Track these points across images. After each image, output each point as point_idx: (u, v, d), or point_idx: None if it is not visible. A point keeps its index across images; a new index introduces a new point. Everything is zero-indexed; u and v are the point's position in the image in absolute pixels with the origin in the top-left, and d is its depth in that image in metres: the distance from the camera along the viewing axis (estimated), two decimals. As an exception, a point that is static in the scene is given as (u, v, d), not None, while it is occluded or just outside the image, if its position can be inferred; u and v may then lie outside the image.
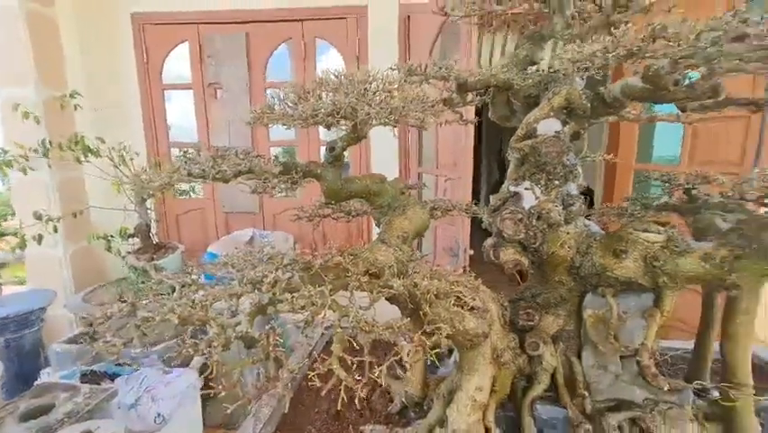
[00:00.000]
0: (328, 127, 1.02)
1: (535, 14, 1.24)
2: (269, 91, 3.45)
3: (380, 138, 3.35)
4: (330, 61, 3.59)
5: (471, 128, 2.70)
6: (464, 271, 1.11)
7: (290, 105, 0.85)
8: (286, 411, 1.26)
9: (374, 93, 0.93)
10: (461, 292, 0.97)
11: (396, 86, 0.96)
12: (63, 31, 3.06)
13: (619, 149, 3.25)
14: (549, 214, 1.02)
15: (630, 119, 1.19)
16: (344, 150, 1.07)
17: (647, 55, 0.77)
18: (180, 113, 3.83)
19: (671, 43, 0.73)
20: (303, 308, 0.58)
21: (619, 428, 1.00)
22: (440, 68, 1.06)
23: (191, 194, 3.76)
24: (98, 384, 2.24)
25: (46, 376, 2.36)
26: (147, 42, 3.32)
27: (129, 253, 2.83)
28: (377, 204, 1.19)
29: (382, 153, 3.41)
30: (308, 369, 1.51)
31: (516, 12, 1.25)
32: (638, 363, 0.94)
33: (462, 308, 0.97)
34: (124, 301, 0.69)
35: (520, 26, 1.34)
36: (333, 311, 0.63)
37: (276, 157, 1.14)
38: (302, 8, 3.18)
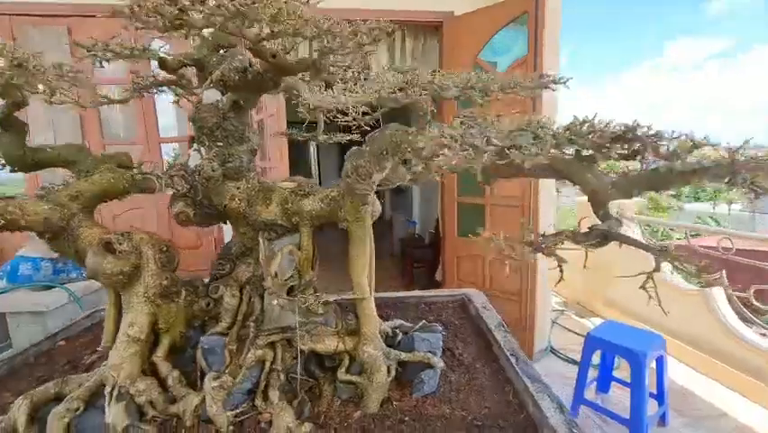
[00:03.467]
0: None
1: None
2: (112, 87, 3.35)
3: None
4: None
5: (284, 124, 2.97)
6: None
7: None
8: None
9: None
10: (110, 239, 1.09)
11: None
12: None
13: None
14: (203, 170, 1.18)
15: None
16: (7, 116, 1.14)
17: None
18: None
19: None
20: None
21: (272, 345, 1.18)
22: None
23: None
24: None
25: None
26: (-52, 34, 3.04)
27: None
28: (76, 170, 1.27)
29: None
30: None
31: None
32: (266, 287, 1.13)
33: (112, 252, 1.08)
34: None
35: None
36: None
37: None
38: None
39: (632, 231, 4.01)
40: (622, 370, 2.83)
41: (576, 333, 3.83)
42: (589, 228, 0.66)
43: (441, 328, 1.41)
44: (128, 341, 1.09)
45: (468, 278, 3.68)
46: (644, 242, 0.67)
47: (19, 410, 1.02)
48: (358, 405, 1.09)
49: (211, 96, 1.23)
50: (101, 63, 1.30)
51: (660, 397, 2.48)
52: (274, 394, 1.06)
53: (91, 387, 1.06)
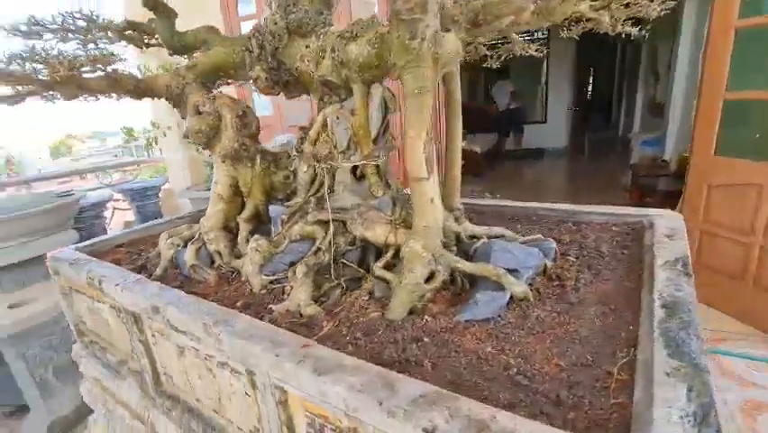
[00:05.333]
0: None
1: None
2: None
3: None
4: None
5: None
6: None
7: None
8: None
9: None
10: (197, 101, 1.17)
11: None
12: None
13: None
14: (267, 22, 1.07)
15: None
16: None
17: None
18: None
19: None
20: None
21: (325, 224, 1.06)
22: None
23: (265, 112, 4.50)
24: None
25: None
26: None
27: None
28: (204, 49, 1.43)
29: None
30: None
31: None
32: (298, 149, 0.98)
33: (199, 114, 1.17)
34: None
35: None
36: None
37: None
38: None
39: None
40: None
41: None
42: None
43: (553, 245, 0.93)
44: (215, 198, 1.21)
45: (720, 218, 2.45)
46: None
47: (162, 241, 1.32)
48: (386, 307, 0.86)
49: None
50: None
51: None
52: (301, 270, 0.95)
53: (193, 232, 1.25)
